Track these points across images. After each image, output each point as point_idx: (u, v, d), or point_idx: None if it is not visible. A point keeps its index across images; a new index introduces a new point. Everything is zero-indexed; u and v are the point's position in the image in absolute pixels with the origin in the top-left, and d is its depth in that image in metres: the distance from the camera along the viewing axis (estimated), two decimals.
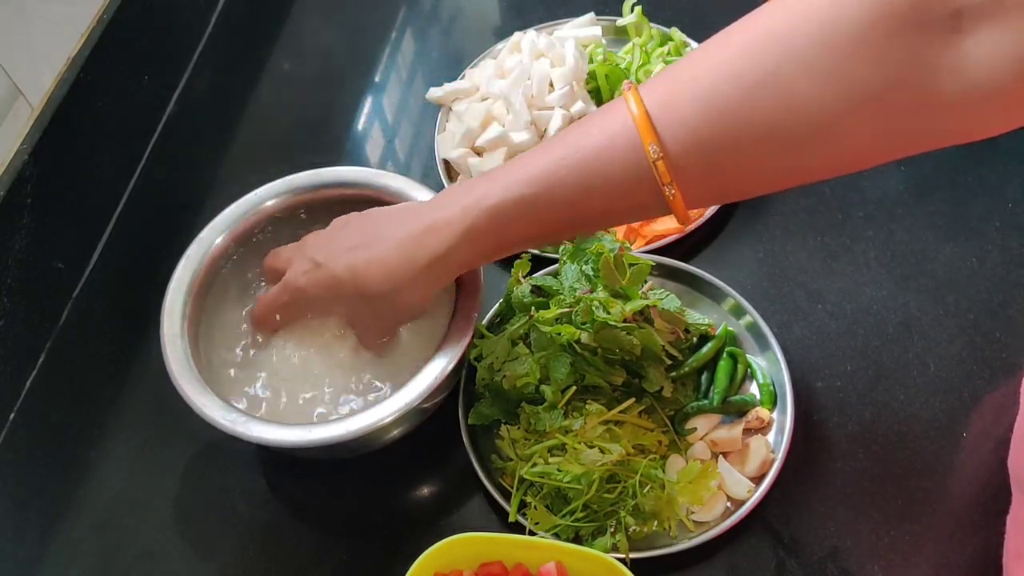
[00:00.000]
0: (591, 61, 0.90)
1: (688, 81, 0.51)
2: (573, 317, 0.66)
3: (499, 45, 0.94)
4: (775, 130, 0.48)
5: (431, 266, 0.60)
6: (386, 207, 0.68)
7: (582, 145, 0.54)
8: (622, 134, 0.52)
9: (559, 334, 0.65)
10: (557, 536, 0.63)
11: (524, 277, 0.72)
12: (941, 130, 0.48)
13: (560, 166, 0.55)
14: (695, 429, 0.68)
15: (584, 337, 0.65)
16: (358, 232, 0.64)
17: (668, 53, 0.90)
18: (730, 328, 0.72)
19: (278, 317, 0.69)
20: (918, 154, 0.51)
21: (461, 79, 0.92)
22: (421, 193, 0.73)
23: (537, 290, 0.71)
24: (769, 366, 0.70)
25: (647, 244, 0.79)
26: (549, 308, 0.68)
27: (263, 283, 0.75)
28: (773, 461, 0.65)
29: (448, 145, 0.87)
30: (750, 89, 0.48)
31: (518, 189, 0.56)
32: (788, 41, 0.47)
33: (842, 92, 0.46)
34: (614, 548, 0.62)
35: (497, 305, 0.73)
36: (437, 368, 0.64)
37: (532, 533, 0.63)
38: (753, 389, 0.70)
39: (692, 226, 0.79)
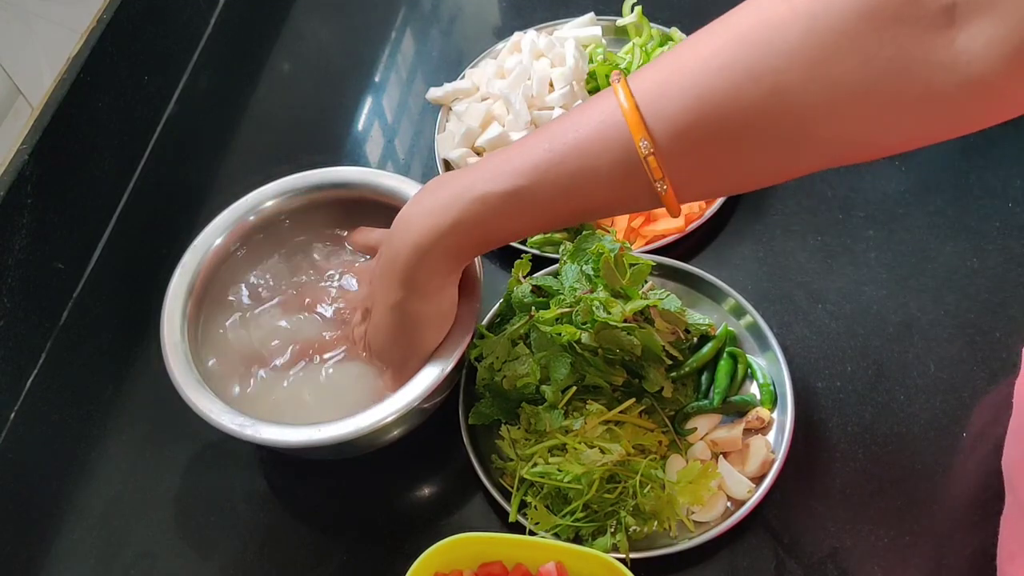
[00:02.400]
0: (591, 61, 0.90)
1: (676, 72, 0.50)
2: (573, 317, 0.66)
3: (499, 45, 0.94)
4: (763, 123, 0.48)
5: (419, 258, 0.59)
6: None
7: (571, 139, 0.53)
8: (612, 126, 0.51)
9: (559, 334, 0.65)
10: (557, 536, 0.63)
11: (524, 277, 0.72)
12: (931, 125, 0.48)
13: (549, 159, 0.54)
14: (695, 429, 0.68)
15: (584, 337, 0.65)
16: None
17: None
18: (730, 328, 0.72)
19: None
20: (911, 149, 0.50)
21: (461, 79, 0.92)
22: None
23: (537, 290, 0.71)
24: (769, 366, 0.70)
25: (647, 244, 0.79)
26: (549, 308, 0.68)
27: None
28: (773, 461, 0.65)
29: (448, 145, 0.87)
30: (737, 81, 0.47)
31: (506, 181, 0.55)
32: (776, 33, 0.46)
33: (829, 86, 0.46)
34: (614, 548, 0.62)
35: (497, 305, 0.73)
36: (437, 368, 0.64)
37: (532, 533, 0.63)
38: (753, 389, 0.70)
39: (692, 226, 0.79)
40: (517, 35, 0.93)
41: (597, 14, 0.95)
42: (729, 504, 0.65)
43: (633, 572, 0.57)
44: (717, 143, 0.50)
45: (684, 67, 0.50)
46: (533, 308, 0.69)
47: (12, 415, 0.78)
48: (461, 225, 0.57)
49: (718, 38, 0.49)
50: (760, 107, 0.47)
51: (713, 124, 0.49)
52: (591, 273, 0.69)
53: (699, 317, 0.71)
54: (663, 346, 0.67)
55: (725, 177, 0.54)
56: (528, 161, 0.55)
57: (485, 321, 0.73)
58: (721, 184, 0.56)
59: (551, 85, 0.87)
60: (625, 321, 0.65)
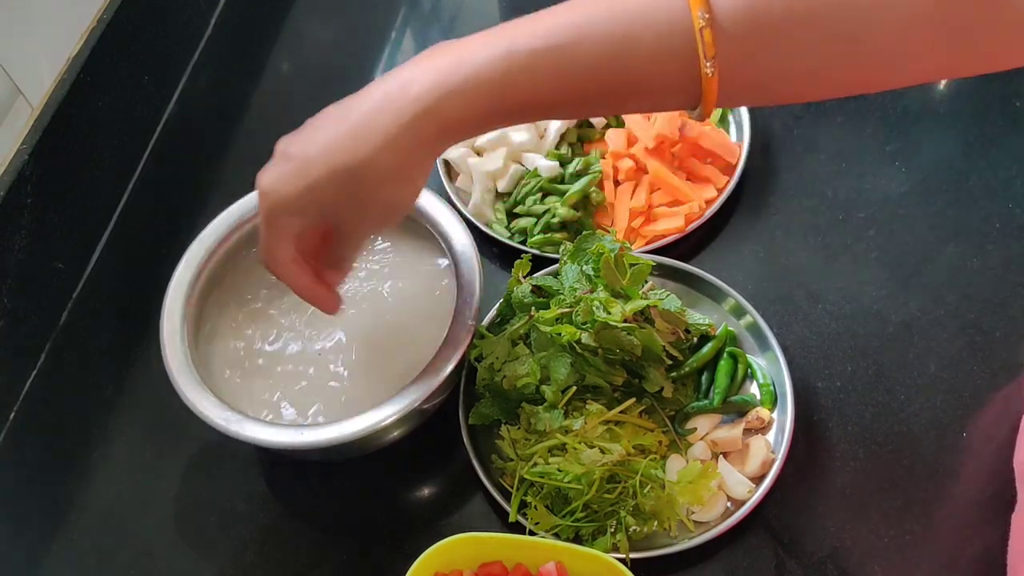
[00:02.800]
0: None
1: None
2: (573, 317, 0.66)
3: None
4: (827, 12, 0.46)
5: (417, 121, 0.50)
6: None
7: (621, 2, 0.49)
8: None
9: (559, 334, 0.65)
10: (557, 536, 0.63)
11: (524, 277, 0.72)
12: (991, 47, 0.46)
13: (592, 19, 0.49)
14: (695, 429, 0.68)
15: (584, 337, 0.65)
16: (332, 111, 0.54)
17: None
18: (730, 328, 0.72)
19: (271, 249, 0.57)
20: (955, 76, 0.49)
21: None
22: (421, 194, 0.73)
23: (537, 290, 0.71)
24: (769, 366, 0.70)
25: (647, 244, 0.79)
26: (549, 308, 0.68)
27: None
28: (773, 461, 0.65)
29: None
30: None
31: (538, 37, 0.49)
32: None
33: None
34: (614, 548, 0.62)
35: (497, 305, 0.73)
36: (437, 369, 0.64)
37: (532, 533, 0.63)
38: (753, 389, 0.70)
39: (692, 226, 0.79)
40: None
41: None
42: (729, 504, 0.65)
43: (633, 572, 0.57)
44: (776, 27, 0.47)
45: None
46: (533, 308, 0.69)
47: (12, 415, 0.78)
48: (475, 83, 0.49)
49: None
50: None
51: (776, 5, 0.46)
52: (591, 273, 0.69)
53: (699, 317, 0.71)
54: (663, 346, 0.67)
55: (772, 73, 0.50)
56: (567, 20, 0.49)
57: (485, 321, 0.73)
58: (765, 82, 0.51)
59: None
60: (625, 321, 0.64)
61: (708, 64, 0.47)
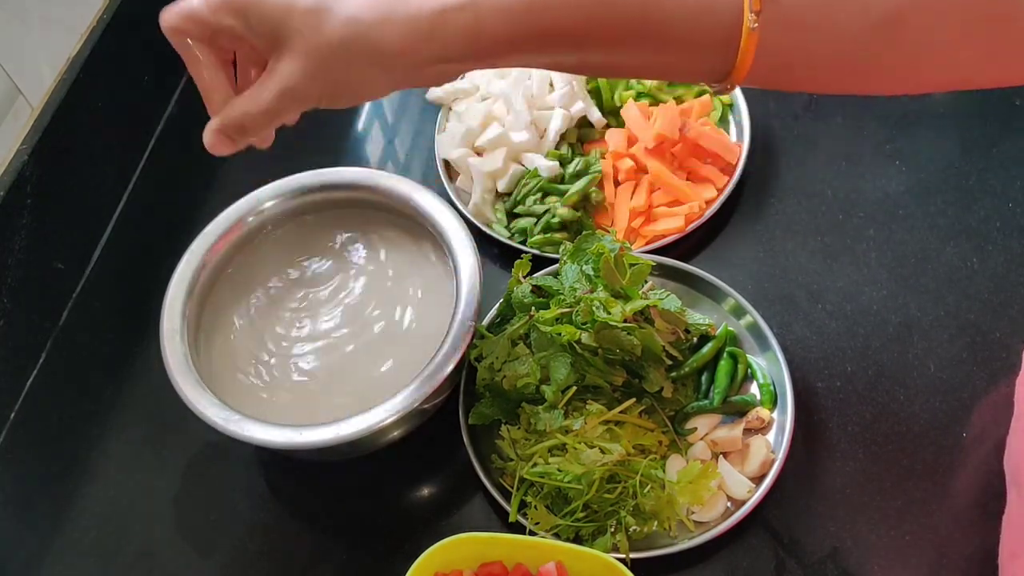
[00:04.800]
0: None
1: None
2: (573, 317, 0.66)
3: None
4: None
5: (435, 18, 0.47)
6: None
7: None
8: None
9: (559, 334, 0.65)
10: (557, 536, 0.63)
11: (524, 277, 0.72)
12: (1012, 59, 0.47)
13: None
14: (695, 429, 0.68)
15: (584, 337, 0.65)
16: None
17: None
18: (730, 328, 0.72)
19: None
20: (976, 87, 0.50)
21: (461, 79, 0.92)
22: (421, 194, 0.73)
23: (537, 290, 0.71)
24: (769, 366, 0.70)
25: (647, 244, 0.79)
26: (549, 308, 0.68)
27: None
28: (773, 461, 0.65)
29: (448, 145, 0.87)
30: None
31: None
32: None
33: None
34: (614, 548, 0.62)
35: (497, 305, 0.73)
36: (437, 369, 0.64)
37: (532, 533, 0.63)
38: (753, 389, 0.70)
39: (692, 226, 0.79)
40: None
41: None
42: (729, 504, 0.65)
43: (633, 572, 0.57)
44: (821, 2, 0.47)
45: None
46: (533, 308, 0.69)
47: (12, 415, 0.78)
48: None
49: None
50: None
51: None
52: (591, 273, 0.69)
53: (699, 317, 0.71)
54: (663, 346, 0.67)
55: (804, 52, 0.49)
56: None
57: (485, 321, 0.73)
58: (794, 61, 0.50)
59: (551, 85, 0.87)
60: (625, 321, 0.65)
61: (753, 17, 0.46)
